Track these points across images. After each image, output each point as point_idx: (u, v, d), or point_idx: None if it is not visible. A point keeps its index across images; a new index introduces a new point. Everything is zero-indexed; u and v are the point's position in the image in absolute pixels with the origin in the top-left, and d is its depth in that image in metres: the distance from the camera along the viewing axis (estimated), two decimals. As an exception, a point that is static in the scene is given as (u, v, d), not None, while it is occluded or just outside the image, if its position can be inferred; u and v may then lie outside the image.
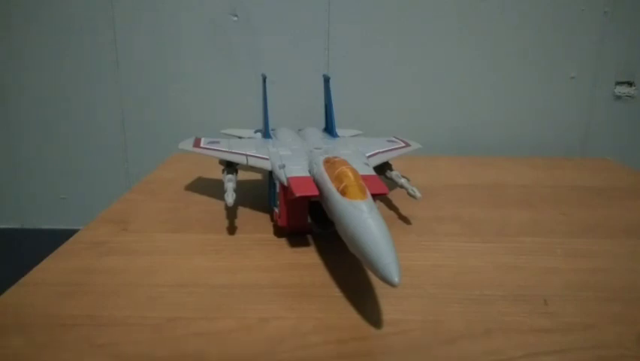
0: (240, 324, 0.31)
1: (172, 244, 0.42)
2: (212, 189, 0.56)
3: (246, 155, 0.48)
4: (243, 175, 0.52)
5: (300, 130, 0.58)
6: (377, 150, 0.52)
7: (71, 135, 0.80)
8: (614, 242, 0.44)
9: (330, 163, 0.40)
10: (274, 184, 0.44)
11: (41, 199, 0.83)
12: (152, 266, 0.38)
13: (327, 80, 0.56)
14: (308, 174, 0.42)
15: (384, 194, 0.40)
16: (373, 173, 0.44)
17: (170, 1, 0.75)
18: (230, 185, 0.45)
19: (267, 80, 0.56)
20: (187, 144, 0.52)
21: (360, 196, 0.34)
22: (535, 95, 0.78)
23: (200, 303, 0.33)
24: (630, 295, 0.35)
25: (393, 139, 0.57)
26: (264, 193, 0.51)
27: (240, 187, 0.47)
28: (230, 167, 0.49)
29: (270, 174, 0.46)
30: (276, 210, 0.44)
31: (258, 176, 0.59)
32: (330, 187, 0.37)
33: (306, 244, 0.42)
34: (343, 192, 0.35)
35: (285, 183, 0.41)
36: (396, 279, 0.28)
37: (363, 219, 0.32)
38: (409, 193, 0.47)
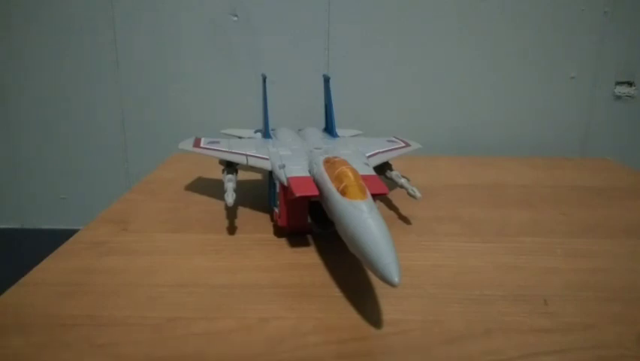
0: (240, 324, 0.31)
1: (172, 244, 0.42)
2: (212, 189, 0.56)
3: (246, 155, 0.48)
4: (242, 175, 0.52)
5: (300, 130, 0.58)
6: (377, 150, 0.52)
7: (71, 135, 0.80)
8: (614, 242, 0.44)
9: (330, 163, 0.40)
10: (274, 184, 0.44)
11: (41, 199, 0.83)
12: (152, 266, 0.38)
13: (327, 80, 0.56)
14: (308, 174, 0.42)
15: (384, 194, 0.40)
16: (373, 173, 0.44)
17: (170, 1, 0.75)
18: (230, 185, 0.45)
19: (267, 80, 0.56)
20: (187, 144, 0.52)
21: (360, 196, 0.34)
22: (535, 95, 0.78)
23: (200, 303, 0.33)
24: (630, 295, 0.35)
25: (393, 139, 0.57)
26: (264, 193, 0.51)
27: (240, 187, 0.47)
28: (230, 167, 0.49)
29: (270, 174, 0.46)
30: (276, 210, 0.44)
31: (258, 176, 0.59)
32: (330, 187, 0.37)
33: (306, 244, 0.42)
34: (343, 192, 0.35)
35: (285, 183, 0.41)
36: (396, 279, 0.28)
37: (363, 219, 0.32)
38: (409, 193, 0.47)
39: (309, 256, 0.40)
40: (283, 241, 0.43)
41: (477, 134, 0.80)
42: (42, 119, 0.80)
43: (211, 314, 0.32)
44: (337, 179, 0.36)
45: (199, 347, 0.28)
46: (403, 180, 0.49)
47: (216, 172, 0.52)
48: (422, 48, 0.77)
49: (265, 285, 0.35)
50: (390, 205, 0.51)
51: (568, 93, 0.78)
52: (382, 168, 0.51)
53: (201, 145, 0.52)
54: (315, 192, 0.39)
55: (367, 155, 0.50)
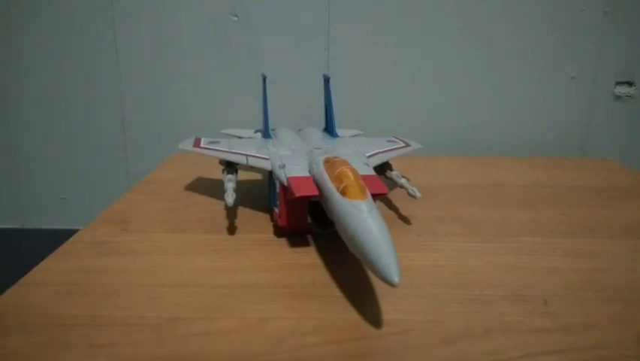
0: (240, 324, 0.31)
1: (172, 244, 0.42)
2: (212, 189, 0.56)
3: (246, 155, 0.48)
4: (243, 175, 0.52)
5: (300, 130, 0.58)
6: (377, 150, 0.52)
7: (71, 135, 0.80)
8: (614, 242, 0.44)
9: (330, 163, 0.40)
10: (274, 184, 0.44)
11: (41, 199, 0.83)
12: (152, 266, 0.38)
13: (327, 80, 0.56)
14: (308, 174, 0.42)
15: (384, 194, 0.40)
16: (373, 173, 0.44)
17: (170, 1, 0.75)
18: (230, 185, 0.45)
19: (267, 80, 0.56)
20: (187, 144, 0.52)
21: (360, 196, 0.34)
22: (535, 95, 0.78)
23: (200, 303, 0.33)
24: (630, 295, 0.35)
25: (393, 139, 0.57)
26: (264, 193, 0.51)
27: (240, 187, 0.47)
28: (230, 167, 0.49)
29: (270, 174, 0.46)
30: (276, 210, 0.44)
31: (258, 176, 0.59)
32: (330, 187, 0.37)
33: (306, 244, 0.42)
34: (343, 192, 0.35)
35: (285, 183, 0.41)
36: (396, 279, 0.28)
37: (363, 219, 0.32)
38: (409, 193, 0.47)
39: (309, 256, 0.40)
40: (283, 241, 0.43)
41: (477, 134, 0.80)
42: (42, 119, 0.80)
43: (211, 314, 0.32)
44: (337, 179, 0.36)
45: (199, 347, 0.28)
46: (403, 180, 0.49)
47: (216, 172, 0.52)
48: (422, 48, 0.77)
49: (265, 285, 0.35)
50: (390, 205, 0.51)
51: (568, 93, 0.78)
52: (382, 168, 0.51)
53: (201, 145, 0.52)
54: (315, 192, 0.39)
55: (367, 155, 0.50)
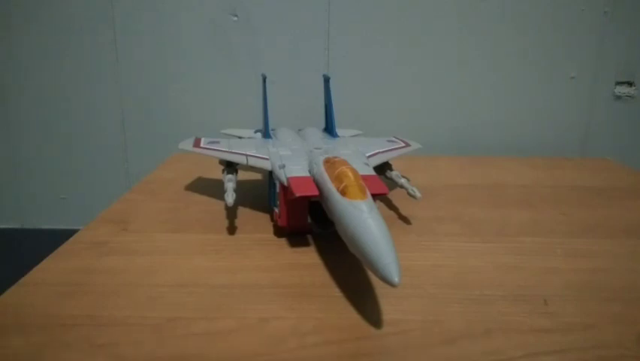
0: (240, 324, 0.31)
1: (172, 244, 0.42)
2: (212, 189, 0.56)
3: (246, 155, 0.48)
4: (242, 175, 0.52)
5: (300, 130, 0.58)
6: (377, 150, 0.52)
7: (71, 135, 0.80)
8: (614, 242, 0.44)
9: (330, 163, 0.40)
10: (274, 184, 0.44)
11: (41, 199, 0.83)
12: (152, 266, 0.38)
13: (327, 80, 0.56)
14: (308, 174, 0.42)
15: (384, 194, 0.40)
16: (373, 173, 0.44)
17: (170, 1, 0.75)
18: (230, 185, 0.45)
19: (267, 80, 0.56)
20: (187, 144, 0.52)
21: (360, 196, 0.34)
22: (535, 95, 0.78)
23: (200, 303, 0.33)
24: (630, 295, 0.35)
25: (393, 139, 0.57)
26: (264, 193, 0.51)
27: (240, 187, 0.47)
28: (230, 167, 0.49)
29: (270, 174, 0.46)
30: (276, 210, 0.44)
31: (258, 176, 0.59)
32: (330, 187, 0.37)
33: (306, 244, 0.42)
34: (343, 192, 0.35)
35: (285, 183, 0.41)
36: (396, 279, 0.28)
37: (363, 219, 0.32)
38: (409, 193, 0.47)
39: (309, 256, 0.40)
40: (283, 241, 0.43)
41: (477, 134, 0.80)
42: (42, 119, 0.80)
43: (211, 314, 0.32)
44: (337, 179, 0.36)
45: (199, 347, 0.28)
46: (403, 180, 0.49)
47: (216, 172, 0.52)
48: (422, 48, 0.77)
49: (265, 285, 0.35)
50: (390, 205, 0.51)
51: (568, 93, 0.78)
52: (382, 168, 0.51)
53: (201, 145, 0.52)
54: (315, 192, 0.39)
55: (367, 155, 0.50)
